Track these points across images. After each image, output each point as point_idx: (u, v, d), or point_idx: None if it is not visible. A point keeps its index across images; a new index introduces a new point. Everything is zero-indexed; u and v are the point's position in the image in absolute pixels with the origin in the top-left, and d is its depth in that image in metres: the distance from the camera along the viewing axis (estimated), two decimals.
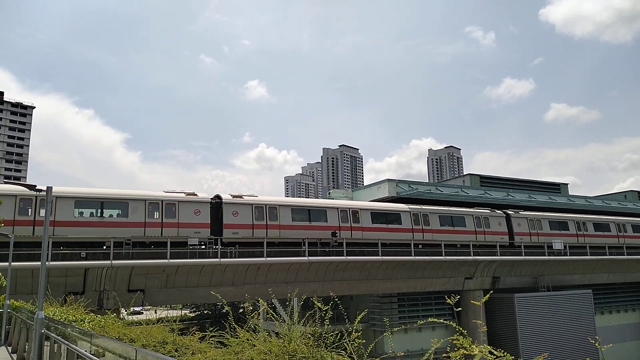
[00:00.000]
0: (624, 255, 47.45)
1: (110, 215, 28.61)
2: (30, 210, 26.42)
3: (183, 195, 30.11)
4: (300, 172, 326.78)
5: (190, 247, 29.06)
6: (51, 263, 23.78)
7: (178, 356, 6.44)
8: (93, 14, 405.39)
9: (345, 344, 5.88)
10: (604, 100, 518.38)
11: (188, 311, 75.50)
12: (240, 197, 32.14)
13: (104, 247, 27.28)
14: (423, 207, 39.15)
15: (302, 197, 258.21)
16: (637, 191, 70.38)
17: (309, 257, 31.75)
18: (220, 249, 29.30)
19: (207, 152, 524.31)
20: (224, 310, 64.11)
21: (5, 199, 24.61)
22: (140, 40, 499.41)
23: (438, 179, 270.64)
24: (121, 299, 25.00)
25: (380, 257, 34.25)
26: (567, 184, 64.16)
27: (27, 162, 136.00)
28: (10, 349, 16.92)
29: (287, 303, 38.35)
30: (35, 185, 16.27)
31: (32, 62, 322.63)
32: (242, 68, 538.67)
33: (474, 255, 38.34)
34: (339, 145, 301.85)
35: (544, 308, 41.07)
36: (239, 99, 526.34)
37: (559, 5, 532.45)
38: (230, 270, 30.10)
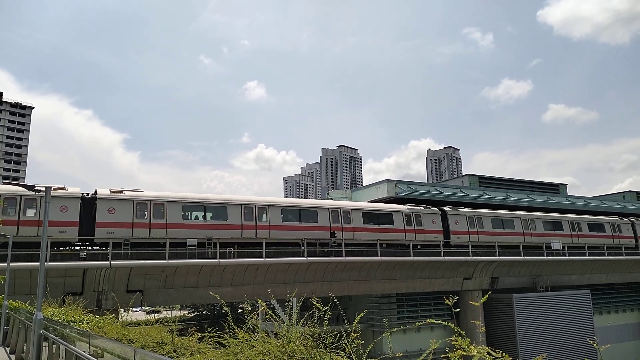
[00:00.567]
0: (622, 255, 47.49)
1: None
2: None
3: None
4: (299, 173, 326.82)
5: (189, 248, 29.00)
6: (50, 263, 23.73)
7: (177, 357, 6.43)
8: (92, 14, 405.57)
9: (344, 345, 5.89)
10: (602, 101, 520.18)
11: (187, 312, 75.44)
12: (121, 192, 29.25)
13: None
14: (345, 203, 37.89)
15: (302, 197, 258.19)
16: (636, 192, 70.48)
17: (308, 258, 31.72)
18: (219, 250, 29.27)
19: (206, 152, 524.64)
20: (223, 311, 64.17)
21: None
22: (139, 41, 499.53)
23: (437, 180, 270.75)
24: (120, 299, 24.92)
25: (379, 258, 34.23)
26: (565, 185, 64.25)
27: (26, 162, 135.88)
28: (8, 349, 16.91)
29: (286, 303, 38.32)
30: (34, 186, 16.24)
31: (31, 62, 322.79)
32: (241, 68, 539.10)
33: (472, 256, 38.35)
34: (338, 146, 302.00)
35: (542, 308, 41.09)
36: (238, 99, 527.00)
37: (557, 6, 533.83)
38: (229, 271, 30.08)
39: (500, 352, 4.04)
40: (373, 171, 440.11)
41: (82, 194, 28.32)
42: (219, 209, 31.44)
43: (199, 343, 7.17)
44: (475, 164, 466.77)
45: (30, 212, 26.11)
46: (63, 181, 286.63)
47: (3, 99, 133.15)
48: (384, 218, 36.65)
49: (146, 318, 10.60)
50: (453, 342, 4.28)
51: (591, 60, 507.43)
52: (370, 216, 36.30)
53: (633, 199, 67.29)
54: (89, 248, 28.15)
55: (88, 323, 10.75)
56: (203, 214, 31.30)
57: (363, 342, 6.22)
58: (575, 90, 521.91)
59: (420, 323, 8.22)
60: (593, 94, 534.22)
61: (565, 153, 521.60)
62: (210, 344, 7.14)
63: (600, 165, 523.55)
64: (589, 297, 44.11)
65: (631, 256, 48.06)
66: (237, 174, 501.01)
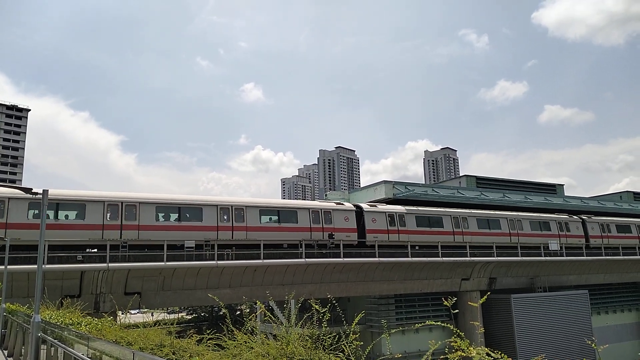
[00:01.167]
0: (620, 255, 47.62)
1: None
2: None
3: None
4: (297, 174, 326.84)
5: (187, 250, 28.95)
6: (47, 266, 23.69)
7: (175, 359, 6.42)
8: (89, 15, 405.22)
9: (343, 346, 5.89)
10: (598, 102, 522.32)
11: (185, 314, 75.35)
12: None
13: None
14: (240, 199, 34.50)
15: (300, 199, 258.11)
16: (633, 192, 70.67)
17: (306, 259, 31.71)
18: (217, 251, 29.22)
19: (203, 154, 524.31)
20: (222, 313, 64.10)
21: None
22: (136, 42, 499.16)
23: (434, 181, 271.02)
24: (118, 302, 24.90)
25: (377, 259, 34.25)
26: (562, 185, 64.39)
27: (22, 164, 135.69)
28: (6, 352, 16.84)
29: (285, 305, 38.16)
30: (32, 188, 16.20)
31: (27, 64, 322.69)
32: (238, 70, 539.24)
33: (470, 257, 38.39)
34: (336, 147, 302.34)
35: (540, 309, 41.14)
36: (235, 101, 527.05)
37: (552, 8, 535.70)
38: (227, 273, 30.05)
39: (499, 352, 4.05)
40: (370, 172, 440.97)
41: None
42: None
43: (198, 345, 7.16)
44: (473, 164, 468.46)
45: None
46: (60, 184, 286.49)
47: None
48: (287, 215, 33.39)
49: (144, 320, 10.59)
50: (452, 343, 4.28)
51: (586, 62, 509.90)
52: (266, 213, 33.36)
53: (630, 199, 67.48)
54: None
55: (86, 325, 10.71)
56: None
57: (362, 343, 6.23)
58: (571, 91, 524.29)
59: (420, 324, 8.21)
60: (589, 95, 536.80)
61: (562, 153, 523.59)
62: (209, 346, 7.14)
63: (597, 165, 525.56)
64: (586, 297, 44.20)
65: (629, 256, 48.19)
66: (234, 176, 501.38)
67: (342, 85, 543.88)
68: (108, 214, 27.84)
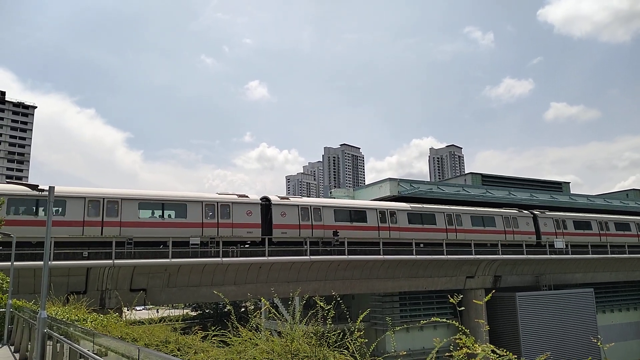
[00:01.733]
0: (626, 254, 47.38)
1: None
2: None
3: None
4: (302, 172, 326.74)
5: (192, 247, 29.02)
6: (53, 263, 23.80)
7: (180, 355, 6.44)
8: (94, 13, 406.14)
9: (347, 343, 5.89)
10: (604, 99, 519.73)
11: (190, 310, 75.60)
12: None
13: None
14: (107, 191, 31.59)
15: (305, 196, 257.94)
16: (639, 189, 70.23)
17: (311, 257, 31.75)
18: (222, 248, 29.29)
19: (208, 151, 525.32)
20: (226, 310, 64.28)
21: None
22: (141, 40, 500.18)
23: (439, 178, 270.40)
24: (123, 298, 25.09)
25: (382, 257, 34.25)
26: (569, 183, 64.11)
27: (29, 161, 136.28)
28: (13, 348, 16.97)
29: (289, 302, 38.09)
30: (38, 185, 16.29)
31: (34, 61, 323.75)
32: (242, 68, 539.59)
33: (475, 254, 38.31)
34: (340, 144, 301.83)
35: (545, 307, 41.02)
36: (240, 99, 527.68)
37: (557, 5, 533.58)
38: (232, 270, 30.13)
39: (504, 350, 4.03)
40: (375, 170, 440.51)
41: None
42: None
43: (203, 342, 7.17)
44: (478, 162, 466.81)
45: None
46: (66, 181, 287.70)
47: (6, 99, 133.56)
48: (173, 209, 30.53)
49: (150, 317, 10.63)
50: (457, 341, 4.27)
51: (592, 59, 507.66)
52: (149, 206, 30.38)
53: (637, 196, 67.06)
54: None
55: (92, 322, 10.77)
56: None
57: (366, 340, 6.22)
58: (577, 88, 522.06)
59: (425, 322, 8.20)
60: (595, 92, 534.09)
61: (568, 151, 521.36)
62: (214, 342, 7.15)
63: (603, 163, 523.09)
64: (592, 295, 44.03)
65: (635, 254, 47.93)
66: (239, 173, 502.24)
67: (346, 82, 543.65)
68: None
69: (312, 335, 5.74)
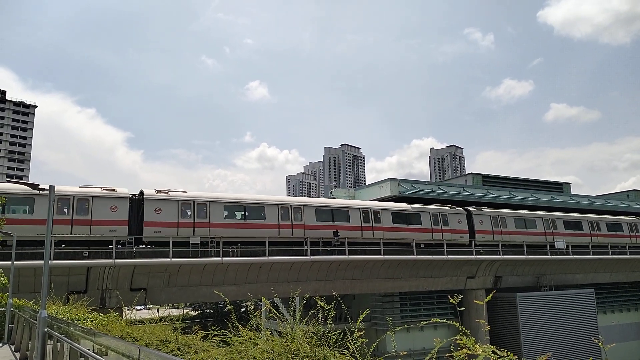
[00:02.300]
0: (626, 254, 47.35)
1: None
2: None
3: None
4: (302, 172, 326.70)
5: (192, 246, 29.03)
6: (54, 262, 23.83)
7: (181, 355, 6.44)
8: (94, 13, 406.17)
9: (347, 343, 5.88)
10: (604, 101, 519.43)
11: (190, 310, 75.64)
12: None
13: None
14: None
15: (305, 196, 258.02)
16: None
17: (311, 257, 31.74)
18: (222, 248, 29.30)
19: (208, 151, 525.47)
20: (227, 309, 64.30)
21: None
22: (142, 40, 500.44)
23: (440, 179, 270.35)
24: (123, 297, 25.12)
25: (382, 257, 34.23)
26: (569, 184, 64.10)
27: (29, 161, 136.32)
28: (13, 347, 16.97)
29: (290, 302, 37.99)
30: (38, 184, 16.30)
31: (34, 61, 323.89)
32: (243, 68, 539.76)
33: (475, 255, 38.29)
34: (341, 145, 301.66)
35: (546, 307, 41.01)
36: (240, 99, 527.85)
37: (557, 7, 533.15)
38: (232, 270, 30.13)
39: (505, 350, 4.03)
40: (375, 170, 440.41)
41: None
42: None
43: (203, 341, 7.18)
44: (479, 163, 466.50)
45: None
46: (66, 180, 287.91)
47: (7, 98, 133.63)
48: (20, 203, 27.51)
49: (150, 316, 10.64)
50: (458, 341, 4.27)
51: (592, 61, 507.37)
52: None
53: (637, 197, 67.05)
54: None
55: (92, 321, 10.78)
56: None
57: (367, 340, 6.22)
58: (577, 89, 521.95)
59: (425, 322, 8.20)
60: (595, 94, 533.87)
61: (568, 152, 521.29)
62: (214, 342, 7.16)
63: (604, 164, 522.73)
64: (593, 296, 44.02)
65: (636, 255, 47.89)
66: (239, 173, 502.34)
67: (347, 83, 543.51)
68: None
69: (312, 335, 5.74)
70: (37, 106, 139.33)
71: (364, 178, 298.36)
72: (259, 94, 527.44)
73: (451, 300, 5.70)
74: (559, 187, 61.78)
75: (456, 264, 38.23)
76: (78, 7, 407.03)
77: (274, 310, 7.48)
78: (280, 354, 5.31)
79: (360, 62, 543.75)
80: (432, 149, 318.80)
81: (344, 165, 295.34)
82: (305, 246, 31.86)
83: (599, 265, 46.91)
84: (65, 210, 27.17)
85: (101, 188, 29.13)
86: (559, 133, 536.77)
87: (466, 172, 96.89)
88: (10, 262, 20.18)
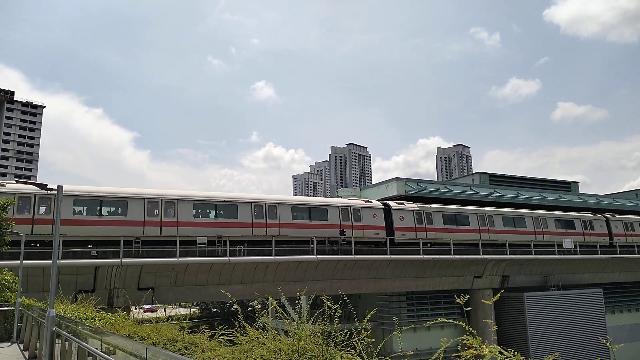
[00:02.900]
0: (635, 254, 46.97)
1: None
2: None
3: None
4: (309, 171, 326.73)
5: (199, 246, 29.11)
6: (62, 261, 23.97)
7: (188, 354, 6.46)
8: (102, 14, 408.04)
9: (354, 343, 5.88)
10: (612, 99, 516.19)
11: (197, 309, 75.84)
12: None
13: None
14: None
15: (312, 196, 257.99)
16: None
17: (317, 256, 31.76)
18: (229, 247, 29.37)
19: (215, 151, 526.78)
20: (233, 309, 64.41)
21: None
22: (149, 41, 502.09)
23: (447, 178, 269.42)
24: (131, 297, 25.21)
25: (389, 256, 34.19)
26: (577, 182, 63.73)
27: (37, 161, 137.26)
28: (22, 346, 17.09)
29: (296, 301, 37.87)
30: (47, 184, 16.40)
31: (42, 61, 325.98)
32: (249, 68, 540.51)
33: (482, 254, 38.16)
34: (347, 144, 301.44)
35: (554, 307, 40.77)
36: (246, 99, 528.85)
37: (564, 6, 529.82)
38: (239, 269, 30.20)
39: (512, 351, 4.01)
40: (382, 169, 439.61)
41: None
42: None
43: (210, 340, 7.19)
44: (486, 162, 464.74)
45: None
46: (73, 180, 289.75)
47: (15, 99, 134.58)
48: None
49: (157, 315, 10.67)
50: (465, 341, 4.25)
51: (600, 59, 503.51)
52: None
53: None
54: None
55: (100, 320, 10.81)
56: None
57: (373, 340, 6.21)
58: (585, 88, 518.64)
59: (432, 322, 8.17)
60: (603, 92, 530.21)
61: (576, 151, 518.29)
62: (221, 341, 7.16)
63: (612, 163, 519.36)
64: (601, 295, 43.71)
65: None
66: (246, 173, 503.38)
67: (353, 82, 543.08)
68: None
69: (319, 334, 5.74)
70: (45, 106, 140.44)
71: (371, 177, 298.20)
72: (265, 94, 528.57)
73: (458, 300, 5.68)
74: (567, 186, 61.42)
75: (463, 264, 38.11)
76: (85, 8, 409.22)
77: (280, 309, 7.49)
78: (286, 353, 5.31)
79: (366, 61, 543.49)
80: (438, 148, 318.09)
81: (350, 164, 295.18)
82: (312, 245, 31.88)
83: (607, 265, 46.58)
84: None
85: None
86: (567, 132, 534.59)
87: (473, 172, 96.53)
88: (19, 262, 20.32)
